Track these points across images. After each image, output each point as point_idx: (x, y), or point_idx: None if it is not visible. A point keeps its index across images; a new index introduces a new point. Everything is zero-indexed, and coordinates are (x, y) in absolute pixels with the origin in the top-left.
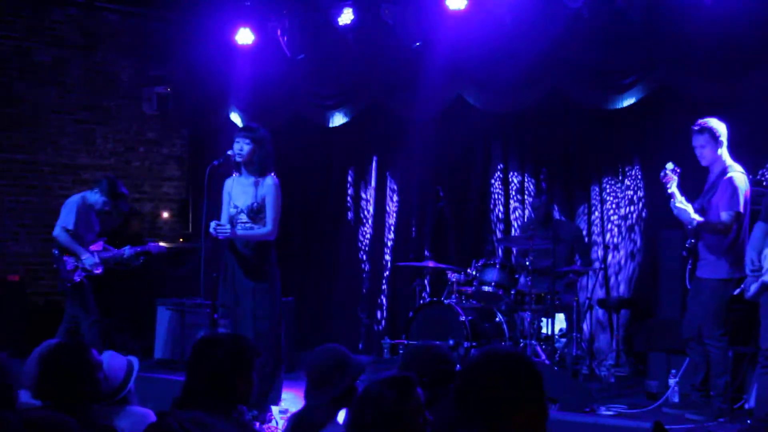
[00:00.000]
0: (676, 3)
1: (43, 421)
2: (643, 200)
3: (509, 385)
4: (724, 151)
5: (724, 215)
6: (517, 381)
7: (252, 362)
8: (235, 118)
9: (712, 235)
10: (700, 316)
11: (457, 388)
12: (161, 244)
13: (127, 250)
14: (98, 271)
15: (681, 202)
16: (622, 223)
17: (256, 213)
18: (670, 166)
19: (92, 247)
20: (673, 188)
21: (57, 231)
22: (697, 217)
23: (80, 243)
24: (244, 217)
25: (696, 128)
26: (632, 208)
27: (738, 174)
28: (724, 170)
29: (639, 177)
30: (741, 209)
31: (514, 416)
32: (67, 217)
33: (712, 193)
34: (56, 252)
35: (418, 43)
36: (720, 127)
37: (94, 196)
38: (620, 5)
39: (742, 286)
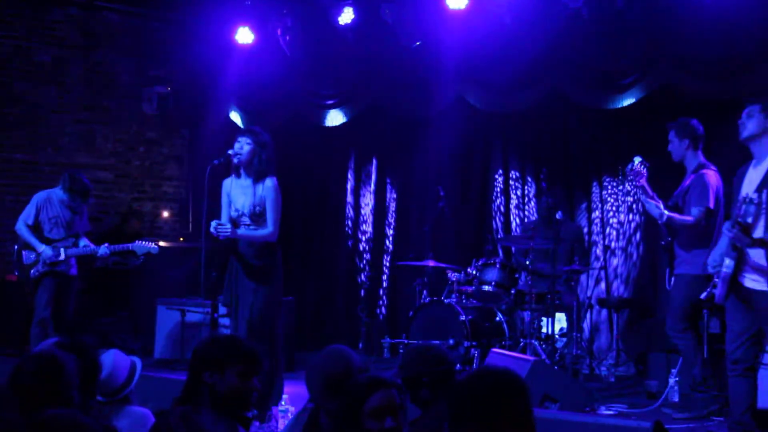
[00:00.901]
0: (675, 3)
1: (63, 421)
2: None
3: (502, 402)
4: (696, 151)
5: (695, 211)
6: (509, 397)
7: (245, 365)
8: (236, 117)
9: (685, 231)
10: (671, 310)
11: (452, 406)
12: (157, 244)
13: (102, 249)
14: (60, 258)
15: (653, 198)
16: (622, 223)
17: (258, 216)
18: (637, 159)
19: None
20: (642, 182)
21: (17, 225)
22: (666, 212)
23: (40, 237)
24: (246, 220)
25: (668, 124)
26: (633, 208)
27: (709, 171)
28: (696, 168)
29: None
30: (711, 205)
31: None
32: (27, 211)
33: (686, 191)
34: (15, 247)
35: (418, 43)
36: (691, 127)
37: (59, 193)
38: (620, 5)
39: (709, 290)
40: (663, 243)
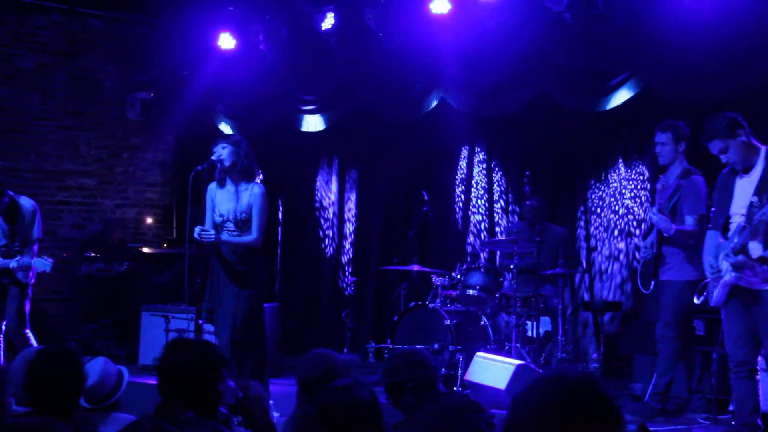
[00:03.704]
0: (658, 6)
1: (37, 428)
2: (627, 202)
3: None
4: (683, 154)
5: (690, 219)
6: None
7: (216, 372)
8: (220, 123)
9: (680, 238)
10: (664, 317)
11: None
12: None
13: (13, 262)
14: None
15: (662, 211)
16: (607, 227)
17: (243, 222)
18: (663, 178)
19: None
20: (660, 201)
21: None
22: (673, 225)
23: None
24: (231, 226)
25: (661, 126)
26: (616, 210)
27: (699, 177)
28: (685, 172)
29: (623, 180)
30: (705, 212)
31: None
32: None
33: (677, 196)
34: None
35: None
36: (683, 130)
37: None
38: (602, 9)
39: (705, 293)
40: (653, 250)
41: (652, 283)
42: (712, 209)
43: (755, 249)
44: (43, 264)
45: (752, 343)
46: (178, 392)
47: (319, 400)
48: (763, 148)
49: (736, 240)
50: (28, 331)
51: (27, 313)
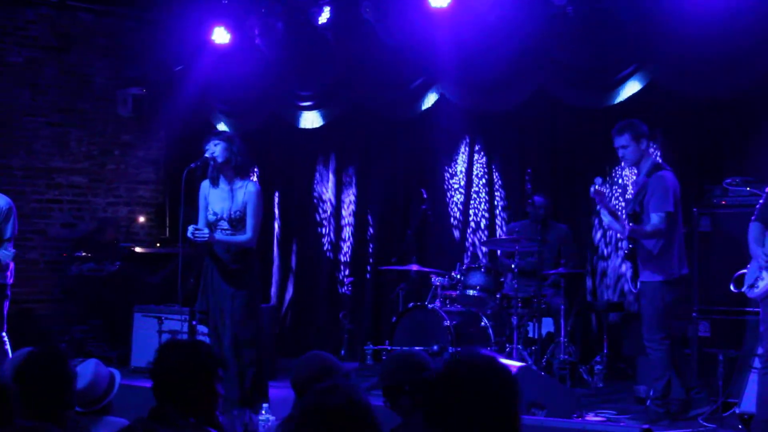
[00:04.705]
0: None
1: None
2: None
3: (482, 397)
4: (647, 150)
5: (655, 217)
6: (491, 392)
7: (211, 372)
8: (214, 119)
9: (648, 238)
10: (646, 321)
11: (427, 402)
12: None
13: None
14: None
15: (614, 213)
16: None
17: (237, 221)
18: (598, 181)
19: None
20: (604, 201)
21: None
22: (628, 226)
23: None
24: (225, 224)
25: (615, 130)
26: (620, 208)
27: (668, 172)
28: (653, 168)
29: (626, 176)
30: (672, 209)
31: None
32: None
33: (643, 194)
34: None
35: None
36: (642, 127)
37: None
38: (605, 3)
39: (749, 282)
40: (626, 250)
41: (639, 282)
42: (760, 201)
43: None
44: (5, 255)
45: None
46: (174, 395)
47: (301, 402)
48: None
49: None
50: (4, 334)
51: (5, 315)
